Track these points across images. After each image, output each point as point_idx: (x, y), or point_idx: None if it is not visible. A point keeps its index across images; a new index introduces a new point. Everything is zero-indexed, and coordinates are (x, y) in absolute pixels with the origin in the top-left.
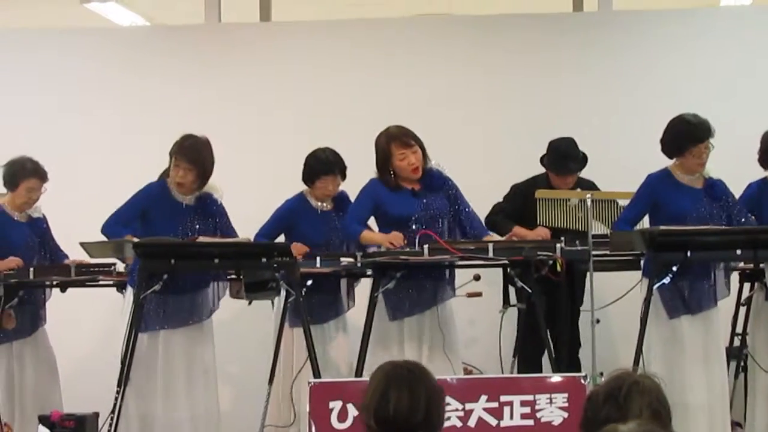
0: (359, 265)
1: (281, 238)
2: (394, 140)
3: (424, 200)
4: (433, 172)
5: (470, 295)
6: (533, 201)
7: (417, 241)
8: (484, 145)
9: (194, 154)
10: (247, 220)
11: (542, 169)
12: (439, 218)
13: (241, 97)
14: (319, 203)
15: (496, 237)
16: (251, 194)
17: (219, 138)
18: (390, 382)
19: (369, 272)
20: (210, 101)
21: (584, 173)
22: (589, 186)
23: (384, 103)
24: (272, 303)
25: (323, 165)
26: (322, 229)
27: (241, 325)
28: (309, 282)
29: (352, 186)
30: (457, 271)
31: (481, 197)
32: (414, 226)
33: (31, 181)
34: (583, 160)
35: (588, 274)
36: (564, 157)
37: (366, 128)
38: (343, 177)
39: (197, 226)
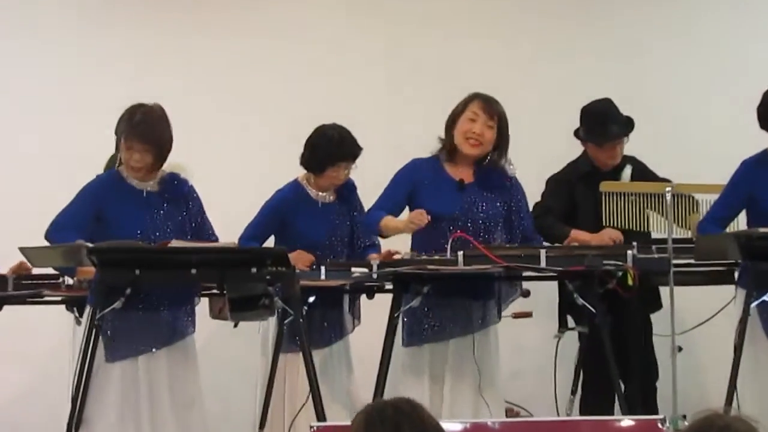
0: (375, 276)
1: (271, 241)
2: (478, 99)
3: (472, 197)
4: (498, 167)
5: (517, 315)
6: (580, 194)
7: (449, 245)
8: (528, 130)
9: (149, 130)
10: (232, 220)
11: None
12: (486, 225)
13: (216, 65)
14: (320, 193)
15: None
16: (235, 187)
17: (193, 118)
18: (371, 426)
19: (387, 285)
20: (176, 72)
21: (642, 156)
22: (643, 170)
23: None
24: (259, 325)
25: (338, 148)
26: (323, 227)
27: (221, 352)
28: (311, 299)
29: (361, 181)
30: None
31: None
32: (449, 229)
33: None
34: (627, 123)
35: (668, 289)
36: (603, 118)
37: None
38: (356, 158)
39: (168, 218)
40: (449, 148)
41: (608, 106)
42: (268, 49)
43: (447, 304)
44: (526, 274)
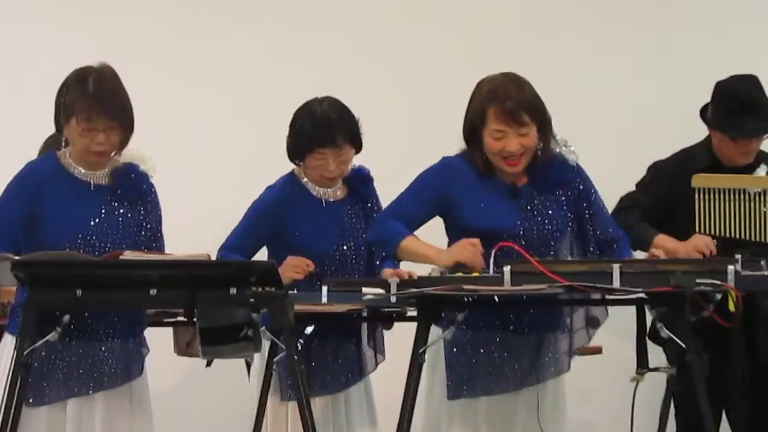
0: (393, 299)
1: (262, 254)
2: (495, 104)
3: (533, 204)
4: (555, 159)
5: (583, 351)
6: (688, 191)
7: (492, 258)
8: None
9: (113, 100)
10: (210, 230)
11: (700, 134)
12: (555, 237)
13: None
14: (322, 189)
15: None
16: (216, 186)
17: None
18: None
19: (410, 311)
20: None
21: None
22: None
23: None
24: (247, 364)
25: (319, 129)
26: (330, 233)
27: (193, 399)
28: (310, 328)
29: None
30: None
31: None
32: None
33: None
34: None
35: None
36: (743, 105)
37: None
38: (357, 146)
39: (120, 221)
40: (483, 166)
41: (753, 88)
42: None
43: (499, 339)
44: (594, 296)
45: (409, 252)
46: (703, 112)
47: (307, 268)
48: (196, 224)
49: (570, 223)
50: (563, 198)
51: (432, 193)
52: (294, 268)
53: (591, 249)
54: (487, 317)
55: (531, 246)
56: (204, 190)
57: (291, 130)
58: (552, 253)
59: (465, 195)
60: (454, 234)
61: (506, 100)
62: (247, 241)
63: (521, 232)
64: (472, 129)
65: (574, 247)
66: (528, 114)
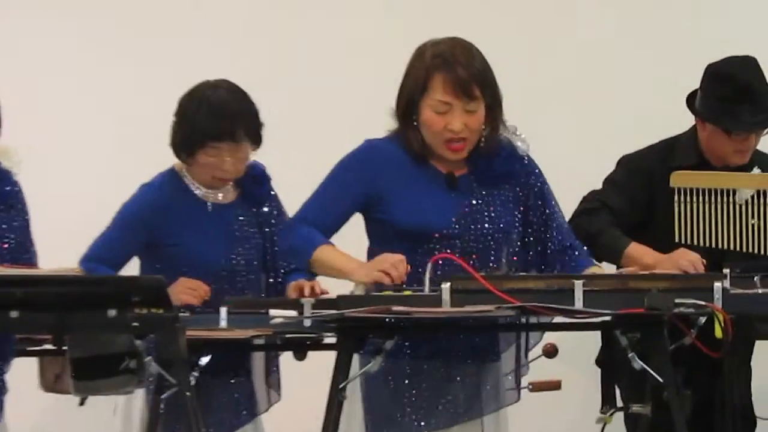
0: (308, 323)
1: (134, 266)
2: (443, 72)
3: (471, 200)
4: (502, 147)
5: (538, 386)
6: (668, 192)
7: (428, 274)
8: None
9: None
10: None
11: (684, 123)
12: (496, 241)
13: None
14: (209, 191)
15: (598, 268)
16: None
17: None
18: None
19: (328, 339)
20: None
21: None
22: None
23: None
24: (115, 402)
25: (216, 118)
26: (218, 242)
27: None
28: (206, 359)
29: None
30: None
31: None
32: (441, 250)
33: None
34: None
35: None
36: (740, 94)
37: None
38: (257, 141)
39: None
40: (418, 149)
41: (751, 72)
42: None
43: (429, 368)
44: (549, 319)
45: (323, 265)
46: (691, 100)
47: (204, 294)
48: (73, 232)
49: (517, 225)
50: (510, 194)
51: (354, 184)
52: (190, 291)
53: (546, 258)
54: (415, 343)
55: (468, 250)
56: (84, 191)
57: (179, 120)
58: (492, 259)
59: (393, 186)
60: (376, 234)
61: (457, 67)
62: (116, 251)
63: (457, 232)
64: (410, 102)
65: (521, 256)
66: (479, 87)
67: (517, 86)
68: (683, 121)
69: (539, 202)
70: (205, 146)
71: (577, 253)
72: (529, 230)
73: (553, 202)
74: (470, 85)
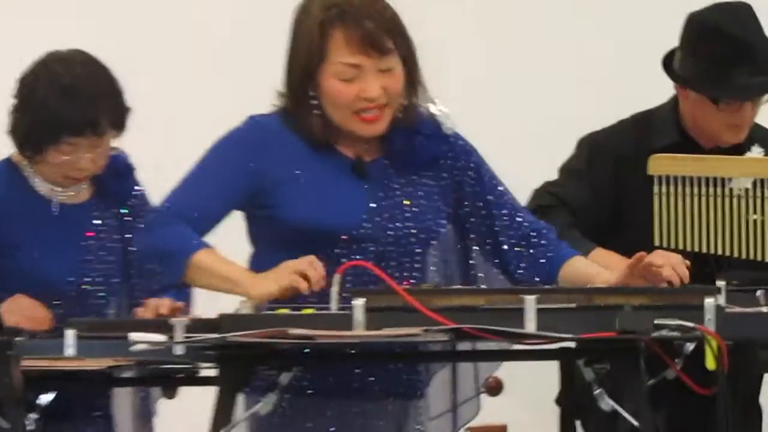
0: (180, 350)
1: None
2: (344, 26)
3: (387, 192)
4: (424, 122)
5: None
6: (643, 181)
7: (334, 286)
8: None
9: None
10: None
11: (663, 92)
12: (419, 239)
13: None
14: (56, 188)
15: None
16: None
17: None
18: None
19: (206, 371)
20: None
21: None
22: None
23: None
24: None
25: (73, 106)
26: (65, 254)
27: None
28: (49, 396)
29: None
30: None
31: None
32: (350, 257)
33: None
34: None
35: None
36: (732, 51)
37: None
38: (121, 129)
39: None
40: (320, 130)
41: (746, 23)
42: None
43: (337, 409)
44: (492, 347)
45: (204, 274)
46: (668, 62)
47: (43, 321)
48: None
49: (446, 221)
50: (436, 182)
51: (236, 170)
52: (27, 317)
53: (505, 258)
54: (320, 375)
55: (384, 256)
56: None
57: (21, 106)
58: (417, 267)
59: (285, 175)
60: (262, 238)
61: (361, 17)
62: None
63: (370, 233)
64: (304, 74)
65: (459, 262)
66: (392, 37)
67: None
68: (660, 89)
69: (477, 189)
70: (59, 142)
71: (544, 241)
72: (468, 226)
73: (496, 183)
74: (381, 37)
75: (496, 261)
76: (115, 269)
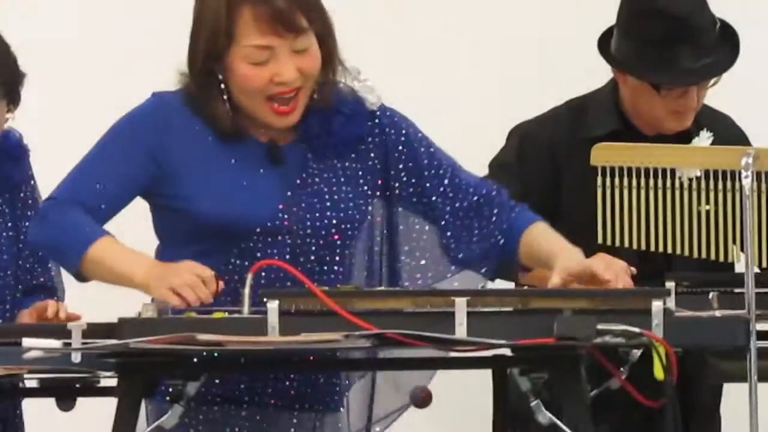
0: (77, 358)
1: None
2: (248, 4)
3: (305, 178)
4: (343, 99)
5: None
6: (582, 172)
7: (247, 286)
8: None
9: None
10: None
11: (599, 74)
12: (341, 230)
13: None
14: None
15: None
16: None
17: None
18: None
19: (106, 381)
20: None
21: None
22: (732, 136)
23: None
24: None
25: None
26: None
27: None
28: None
29: None
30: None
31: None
32: (264, 252)
33: None
34: (722, 39)
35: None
36: (673, 31)
37: None
38: (14, 100)
39: None
40: (228, 126)
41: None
42: None
43: (247, 420)
44: (419, 354)
45: (100, 267)
46: (604, 43)
47: None
48: None
49: (372, 207)
50: (360, 165)
51: (139, 151)
52: None
53: (450, 238)
54: (230, 384)
55: (302, 251)
56: None
57: None
58: (340, 260)
59: (190, 160)
60: (167, 230)
61: None
62: None
63: (286, 225)
64: (208, 57)
65: (387, 257)
66: (305, 14)
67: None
68: (595, 74)
69: (410, 164)
70: None
71: (497, 210)
72: (403, 208)
73: (431, 154)
74: (294, 14)
75: (443, 242)
76: (9, 262)
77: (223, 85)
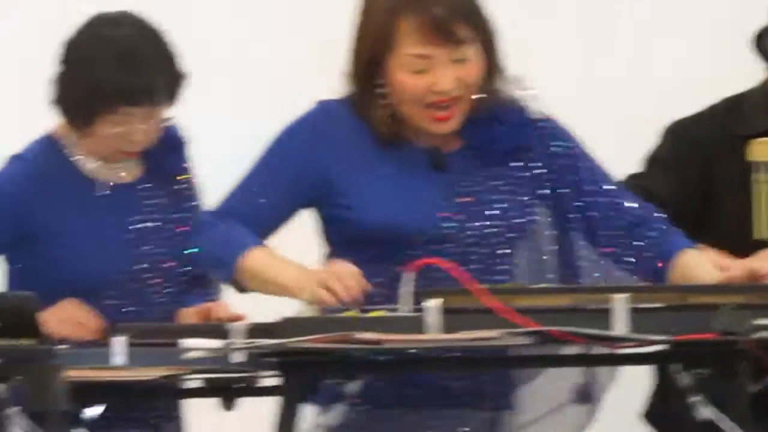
0: (237, 359)
1: None
2: (411, 13)
3: (469, 187)
4: (508, 108)
5: None
6: (739, 170)
7: (402, 284)
8: None
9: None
10: None
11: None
12: (505, 239)
13: None
14: (104, 166)
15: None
16: None
17: None
18: None
19: (269, 380)
20: None
21: None
22: None
23: None
24: None
25: (127, 71)
26: (112, 240)
27: None
28: (97, 410)
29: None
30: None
31: None
32: (429, 257)
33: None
34: None
35: None
36: None
37: None
38: (175, 97)
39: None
40: (387, 127)
41: None
42: None
43: (412, 422)
44: (576, 350)
45: (255, 276)
46: (761, 41)
47: (94, 331)
48: None
49: (537, 215)
50: (523, 174)
51: (300, 166)
52: (74, 326)
53: (609, 247)
54: (395, 385)
55: (465, 258)
56: None
57: (67, 73)
58: (504, 269)
59: (354, 170)
60: (333, 238)
61: (430, 3)
62: None
63: (449, 234)
64: (370, 64)
65: (550, 259)
66: (466, 24)
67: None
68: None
69: (572, 176)
70: (114, 112)
71: (652, 233)
72: (566, 216)
73: (594, 168)
74: (454, 24)
75: (602, 252)
76: (167, 255)
77: (383, 90)
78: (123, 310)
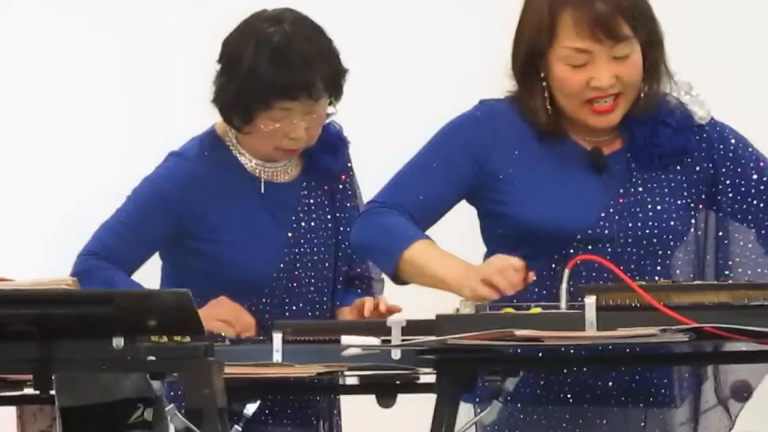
0: (397, 355)
1: (153, 266)
2: (573, 8)
3: (628, 188)
4: (671, 109)
5: None
6: None
7: (564, 282)
8: None
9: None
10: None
11: None
12: (665, 242)
13: None
14: (266, 164)
15: None
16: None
17: None
18: None
19: (422, 377)
20: None
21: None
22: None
23: None
24: None
25: (287, 67)
26: (273, 238)
27: None
28: (253, 407)
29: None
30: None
31: None
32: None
33: None
34: None
35: None
36: None
37: None
38: (337, 95)
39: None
40: (547, 118)
41: None
42: None
43: (570, 418)
44: (741, 347)
45: (416, 269)
46: None
47: (247, 329)
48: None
49: (694, 220)
50: (683, 177)
51: (461, 160)
52: (223, 321)
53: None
54: (550, 383)
55: (622, 258)
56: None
57: (227, 70)
58: (660, 270)
59: (515, 166)
60: (491, 234)
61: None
62: (130, 243)
63: (607, 234)
64: (530, 55)
65: (705, 262)
66: (629, 21)
67: None
68: None
69: (737, 180)
70: (270, 107)
71: None
72: (730, 220)
73: (763, 167)
74: (615, 20)
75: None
76: (328, 254)
77: (544, 83)
78: (279, 308)
